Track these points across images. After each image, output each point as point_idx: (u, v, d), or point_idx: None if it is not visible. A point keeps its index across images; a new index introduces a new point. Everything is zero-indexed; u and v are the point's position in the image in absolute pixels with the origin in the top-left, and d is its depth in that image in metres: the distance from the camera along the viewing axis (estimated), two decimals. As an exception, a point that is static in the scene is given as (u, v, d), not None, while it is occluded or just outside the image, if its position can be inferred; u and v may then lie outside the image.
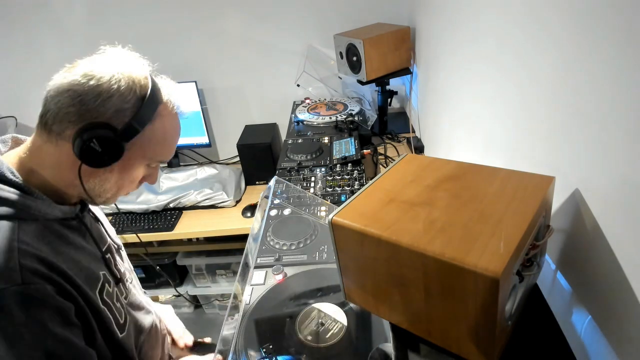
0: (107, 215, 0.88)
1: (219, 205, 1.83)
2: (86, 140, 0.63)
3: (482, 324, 0.49)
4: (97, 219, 0.83)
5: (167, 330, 1.06)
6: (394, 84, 1.91)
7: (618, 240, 0.50)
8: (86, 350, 0.65)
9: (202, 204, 1.83)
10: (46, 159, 0.68)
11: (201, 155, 2.20)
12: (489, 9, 0.87)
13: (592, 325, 0.56)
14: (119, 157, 0.67)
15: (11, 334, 0.56)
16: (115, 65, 0.67)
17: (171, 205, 1.82)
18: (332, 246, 0.62)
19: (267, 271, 0.96)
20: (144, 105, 0.67)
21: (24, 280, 0.58)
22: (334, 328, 0.80)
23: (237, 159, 2.00)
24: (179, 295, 2.15)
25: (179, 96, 0.76)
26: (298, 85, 1.95)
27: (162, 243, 1.93)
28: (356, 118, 1.78)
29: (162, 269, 1.79)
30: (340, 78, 2.03)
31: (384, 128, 1.92)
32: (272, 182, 1.25)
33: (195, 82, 1.92)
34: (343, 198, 1.28)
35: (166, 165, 2.05)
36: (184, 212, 1.84)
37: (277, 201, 1.20)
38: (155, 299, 1.90)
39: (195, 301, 2.28)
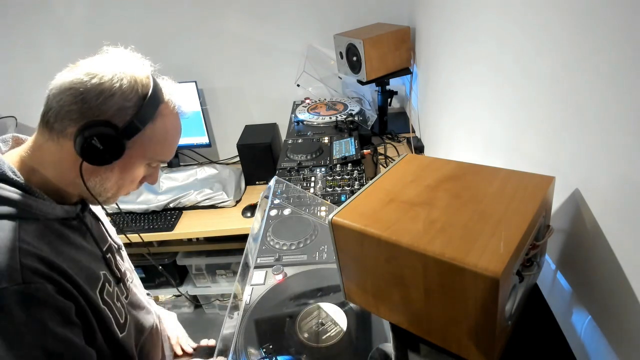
0: (107, 214, 0.87)
1: (219, 205, 1.84)
2: (87, 137, 0.64)
3: (482, 324, 0.49)
4: (97, 219, 0.83)
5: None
6: (394, 84, 1.91)
7: (618, 240, 0.50)
8: (86, 350, 0.65)
9: (202, 204, 1.83)
10: (47, 157, 0.68)
11: (201, 155, 2.20)
12: (489, 8, 0.87)
13: (592, 325, 0.56)
14: (120, 155, 0.67)
15: (11, 334, 0.56)
16: (118, 64, 0.67)
17: (171, 205, 1.82)
18: (332, 246, 0.62)
19: (267, 271, 0.96)
20: (146, 104, 0.68)
21: (25, 280, 0.58)
22: (334, 328, 0.80)
23: (237, 159, 2.00)
24: (179, 295, 2.15)
25: (180, 97, 0.76)
26: (298, 85, 1.95)
27: (162, 243, 1.93)
28: (356, 118, 1.78)
29: (162, 269, 1.79)
30: (340, 78, 2.03)
31: (384, 128, 1.93)
32: (272, 182, 1.25)
33: (195, 82, 1.92)
34: (343, 198, 1.28)
35: (166, 165, 2.05)
36: (184, 212, 1.84)
37: (277, 201, 1.20)
38: (155, 299, 1.90)
39: (195, 301, 2.28)
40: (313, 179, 1.39)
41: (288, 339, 0.79)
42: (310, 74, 1.96)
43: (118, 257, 0.84)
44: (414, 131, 1.85)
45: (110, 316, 0.72)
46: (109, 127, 0.65)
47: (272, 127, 2.06)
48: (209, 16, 1.90)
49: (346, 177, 1.38)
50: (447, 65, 1.27)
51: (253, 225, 1.15)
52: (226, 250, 1.96)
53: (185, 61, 1.98)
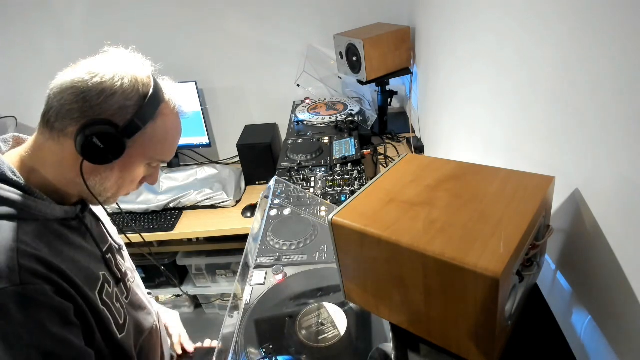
0: (108, 214, 0.87)
1: (219, 205, 1.83)
2: (88, 136, 0.64)
3: (482, 324, 0.49)
4: (98, 219, 0.83)
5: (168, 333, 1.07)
6: (394, 84, 1.91)
7: (618, 240, 0.50)
8: (85, 350, 0.65)
9: (202, 204, 1.83)
10: (48, 157, 0.68)
11: (201, 155, 2.20)
12: (489, 8, 0.87)
13: (592, 325, 0.56)
14: (120, 154, 0.67)
15: (9, 334, 0.57)
16: (119, 64, 0.68)
17: (171, 205, 1.82)
18: (332, 246, 0.62)
19: (267, 271, 0.96)
20: (146, 103, 0.68)
21: (23, 281, 0.58)
22: (334, 328, 0.80)
23: (237, 159, 2.00)
24: (180, 295, 2.15)
25: (180, 97, 0.76)
26: (298, 85, 1.95)
27: (162, 243, 1.93)
28: (356, 118, 1.78)
29: (164, 269, 1.79)
30: (340, 78, 2.03)
31: (384, 128, 1.93)
32: (272, 182, 1.25)
33: (195, 82, 1.92)
34: (343, 198, 1.28)
35: (166, 165, 2.05)
36: (184, 212, 1.84)
37: (277, 201, 1.20)
38: (154, 299, 1.90)
39: (195, 301, 2.28)
40: (313, 179, 1.39)
41: (288, 339, 0.79)
42: (310, 74, 1.96)
43: (119, 257, 0.84)
44: (414, 131, 1.85)
45: (109, 317, 0.72)
46: (109, 126, 0.65)
47: (272, 127, 2.06)
48: (209, 16, 1.90)
49: (346, 177, 1.38)
50: (447, 65, 1.27)
51: (253, 225, 1.15)
52: (226, 250, 1.96)
53: (185, 61, 1.98)
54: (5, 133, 0.77)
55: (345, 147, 1.54)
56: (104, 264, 0.76)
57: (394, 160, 1.45)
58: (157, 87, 0.70)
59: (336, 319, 0.82)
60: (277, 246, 1.04)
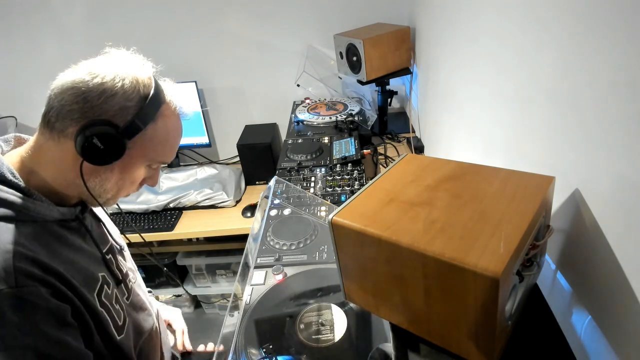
0: (109, 215, 0.87)
1: (219, 205, 1.83)
2: (88, 137, 0.63)
3: (482, 324, 0.49)
4: (99, 220, 0.83)
5: (169, 331, 1.07)
6: (394, 84, 1.91)
7: (618, 240, 0.50)
8: (82, 351, 0.65)
9: (202, 204, 1.83)
10: (48, 157, 0.68)
11: (201, 155, 2.20)
12: (489, 8, 0.87)
13: (592, 325, 0.56)
14: (120, 155, 0.67)
15: (5, 336, 0.57)
16: (120, 65, 0.68)
17: (171, 205, 1.82)
18: (332, 246, 0.62)
19: (267, 271, 0.96)
20: (147, 104, 0.68)
21: (18, 283, 0.58)
22: (334, 328, 0.80)
23: (237, 159, 2.00)
24: (180, 295, 2.15)
25: (182, 99, 0.76)
26: (298, 85, 1.95)
27: (162, 243, 1.93)
28: (356, 118, 1.78)
29: (167, 270, 1.79)
30: (340, 78, 2.03)
31: (384, 128, 1.93)
32: (272, 182, 1.26)
33: (195, 82, 1.92)
34: (343, 198, 1.28)
35: (166, 165, 2.05)
36: (184, 212, 1.84)
37: (277, 201, 1.20)
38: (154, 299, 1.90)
39: (195, 301, 2.28)
40: (313, 179, 1.39)
41: (288, 339, 0.79)
42: (310, 74, 1.96)
43: (120, 258, 0.84)
44: (414, 131, 1.85)
45: (108, 318, 0.71)
46: (109, 127, 0.65)
47: (272, 127, 2.06)
48: (209, 16, 1.90)
49: (346, 177, 1.38)
50: (447, 65, 1.27)
51: (253, 225, 1.15)
52: (226, 250, 1.96)
53: (185, 61, 1.98)
54: (6, 133, 0.76)
55: (345, 147, 1.54)
56: (104, 265, 0.76)
57: (394, 160, 1.45)
58: (158, 88, 0.70)
59: (336, 319, 0.82)
60: (277, 246, 1.04)
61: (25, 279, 0.59)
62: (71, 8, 1.88)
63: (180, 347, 1.07)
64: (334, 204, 1.21)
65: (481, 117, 0.98)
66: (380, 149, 1.75)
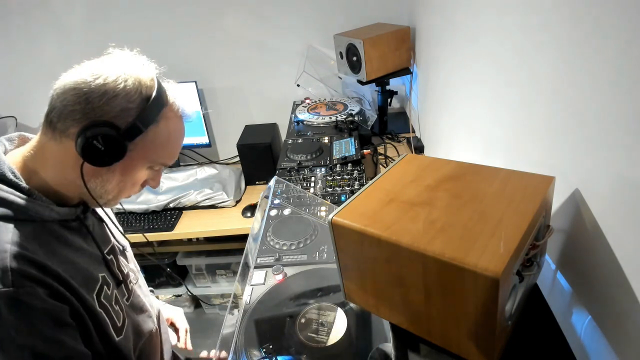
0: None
1: (219, 205, 1.83)
2: (89, 137, 0.63)
3: (482, 324, 0.49)
4: (101, 220, 0.83)
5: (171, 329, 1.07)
6: (394, 84, 1.91)
7: (618, 240, 0.50)
8: (80, 351, 0.65)
9: (202, 204, 1.83)
10: (49, 157, 0.68)
11: (201, 155, 2.20)
12: (489, 8, 0.87)
13: (592, 325, 0.56)
14: (121, 157, 0.67)
15: (1, 336, 0.57)
16: (122, 66, 0.67)
17: (171, 205, 1.82)
18: (332, 246, 0.62)
19: (267, 271, 0.96)
20: (149, 106, 0.67)
21: (14, 284, 0.58)
22: (334, 328, 0.80)
23: (237, 159, 2.00)
24: (180, 295, 2.15)
25: (184, 100, 0.76)
26: (298, 85, 1.95)
27: (162, 243, 1.93)
28: (356, 118, 1.78)
29: (169, 270, 1.80)
30: (340, 78, 2.03)
31: (384, 128, 1.93)
32: (272, 182, 1.26)
33: (195, 82, 1.92)
34: (343, 198, 1.28)
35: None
36: (184, 212, 1.84)
37: (277, 201, 1.20)
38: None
39: (195, 301, 2.28)
40: (313, 179, 1.39)
41: (288, 339, 0.79)
42: (310, 74, 1.96)
43: (122, 258, 0.84)
44: (414, 131, 1.85)
45: (107, 319, 0.71)
46: (110, 128, 0.65)
47: (272, 127, 2.06)
48: (209, 16, 1.90)
49: (346, 177, 1.38)
50: (447, 65, 1.27)
51: (253, 225, 1.15)
52: (226, 250, 1.97)
53: (185, 61, 1.98)
54: (6, 133, 0.76)
55: (345, 147, 1.54)
56: (104, 266, 0.76)
57: (394, 160, 1.45)
58: (160, 90, 0.70)
59: (336, 319, 0.82)
60: (277, 246, 1.04)
61: (22, 279, 0.59)
62: (71, 8, 1.88)
63: (182, 346, 1.07)
64: (334, 204, 1.21)
65: (481, 117, 0.98)
66: (380, 149, 1.75)
